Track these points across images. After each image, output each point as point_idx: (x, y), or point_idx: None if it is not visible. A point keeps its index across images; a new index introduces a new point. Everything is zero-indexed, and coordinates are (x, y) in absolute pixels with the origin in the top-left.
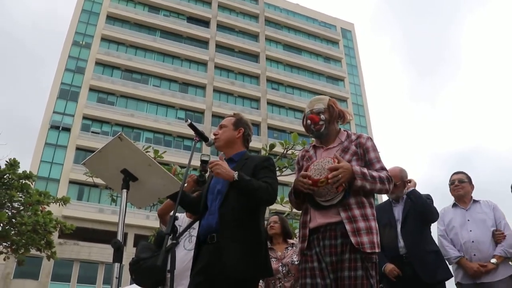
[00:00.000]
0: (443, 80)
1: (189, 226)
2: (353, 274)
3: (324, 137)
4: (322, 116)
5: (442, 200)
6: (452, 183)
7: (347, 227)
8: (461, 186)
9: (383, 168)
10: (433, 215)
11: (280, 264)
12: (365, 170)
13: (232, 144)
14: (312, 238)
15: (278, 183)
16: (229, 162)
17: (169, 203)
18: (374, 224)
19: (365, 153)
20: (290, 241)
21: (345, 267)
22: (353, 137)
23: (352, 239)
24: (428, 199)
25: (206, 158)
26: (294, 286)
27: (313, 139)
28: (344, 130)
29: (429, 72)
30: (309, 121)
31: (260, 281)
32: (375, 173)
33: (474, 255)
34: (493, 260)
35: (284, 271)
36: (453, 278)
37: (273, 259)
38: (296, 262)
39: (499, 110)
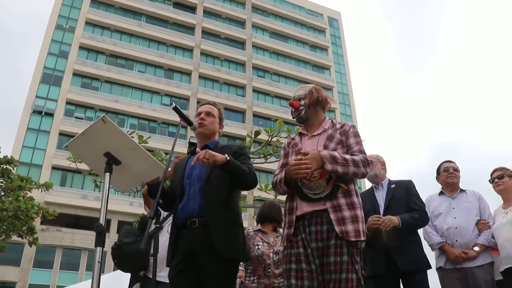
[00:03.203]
0: (429, 71)
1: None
2: (339, 259)
3: (304, 121)
4: (302, 102)
5: (424, 190)
6: (445, 170)
7: (332, 216)
8: (455, 175)
9: (360, 151)
10: (424, 226)
11: (272, 250)
12: (335, 153)
13: (213, 135)
14: (298, 224)
15: (263, 170)
16: (204, 148)
17: (154, 182)
18: (360, 213)
19: (346, 138)
20: (281, 230)
21: (331, 252)
22: (338, 125)
23: (337, 228)
24: (409, 184)
25: (194, 141)
26: (282, 273)
27: (298, 127)
28: (329, 119)
29: (415, 62)
30: (292, 109)
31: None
32: (348, 156)
33: (456, 241)
34: (476, 248)
35: (274, 258)
36: (434, 265)
37: (265, 244)
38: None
39: (481, 102)
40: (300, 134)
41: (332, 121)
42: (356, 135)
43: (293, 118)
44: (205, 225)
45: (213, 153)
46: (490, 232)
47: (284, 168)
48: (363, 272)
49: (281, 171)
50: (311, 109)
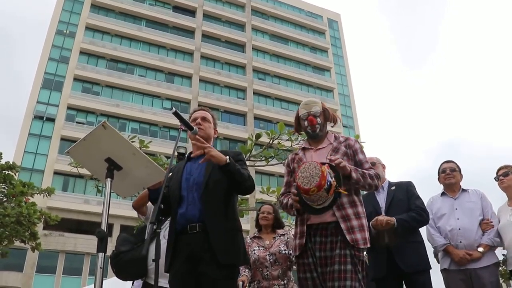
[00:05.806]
0: (431, 70)
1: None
2: (343, 268)
3: (319, 138)
4: (319, 119)
5: (429, 189)
6: (443, 171)
7: (342, 225)
8: (452, 175)
9: (371, 168)
10: (423, 225)
11: (268, 253)
12: (354, 167)
13: (208, 140)
14: (307, 233)
15: (265, 173)
16: (201, 155)
17: (143, 195)
18: (365, 222)
19: (354, 154)
20: (279, 231)
21: (335, 261)
22: (341, 139)
23: (348, 237)
24: (409, 186)
25: (182, 151)
26: (280, 274)
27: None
28: (332, 133)
29: (417, 61)
30: (306, 122)
31: (247, 270)
32: (364, 171)
33: (460, 242)
34: (480, 249)
35: (271, 260)
36: (438, 266)
37: (260, 248)
38: (283, 251)
39: (486, 100)
40: (304, 149)
41: (335, 135)
42: (363, 151)
43: (304, 131)
44: (205, 229)
45: (215, 151)
46: (494, 231)
47: (290, 187)
48: (365, 281)
49: (287, 190)
50: (324, 127)
